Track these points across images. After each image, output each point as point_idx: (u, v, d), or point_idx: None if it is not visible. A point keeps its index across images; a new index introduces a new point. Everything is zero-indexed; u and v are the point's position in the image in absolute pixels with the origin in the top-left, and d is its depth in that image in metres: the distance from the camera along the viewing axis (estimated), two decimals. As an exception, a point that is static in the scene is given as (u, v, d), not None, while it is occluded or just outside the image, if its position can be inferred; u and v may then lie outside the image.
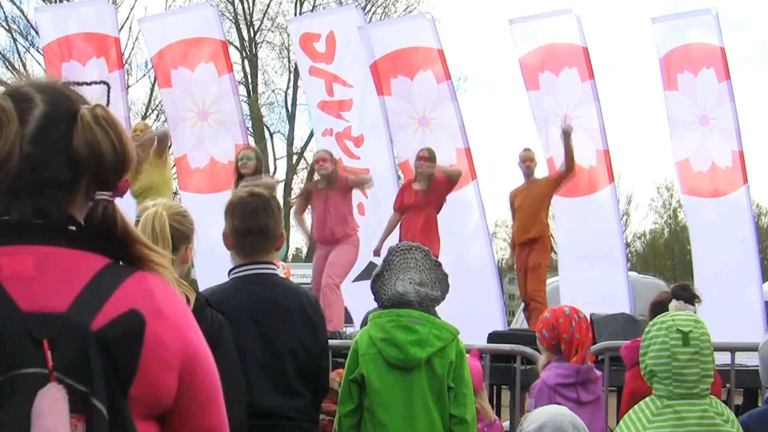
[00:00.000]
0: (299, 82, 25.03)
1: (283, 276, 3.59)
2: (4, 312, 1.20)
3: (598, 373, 4.16)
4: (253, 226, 3.13)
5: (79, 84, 1.40)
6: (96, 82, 1.47)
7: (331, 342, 6.21)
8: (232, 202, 3.22)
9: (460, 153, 9.04)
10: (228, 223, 3.19)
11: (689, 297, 4.50)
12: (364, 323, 4.02)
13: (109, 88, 1.47)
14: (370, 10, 23.98)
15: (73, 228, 1.32)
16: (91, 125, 1.30)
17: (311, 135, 22.58)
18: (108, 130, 1.31)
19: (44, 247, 1.28)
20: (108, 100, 1.41)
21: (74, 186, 1.32)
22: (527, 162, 7.98)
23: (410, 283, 3.44)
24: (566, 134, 7.83)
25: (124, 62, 13.12)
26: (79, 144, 1.29)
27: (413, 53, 9.27)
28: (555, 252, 10.04)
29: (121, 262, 1.34)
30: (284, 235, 3.30)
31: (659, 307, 4.50)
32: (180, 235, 2.76)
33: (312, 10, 24.44)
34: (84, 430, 1.19)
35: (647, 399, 2.91)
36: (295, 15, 24.47)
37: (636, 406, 2.94)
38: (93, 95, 1.38)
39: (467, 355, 3.58)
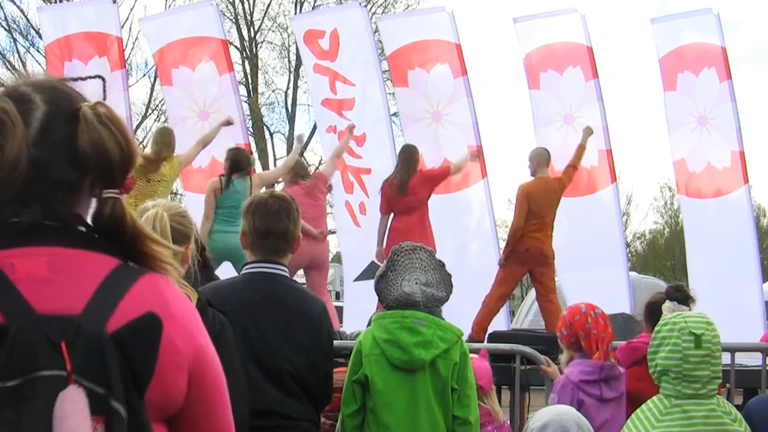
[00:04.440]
0: (300, 81, 25.01)
1: (294, 279, 3.56)
2: (20, 314, 1.19)
3: (621, 369, 4.14)
4: (273, 228, 3.13)
5: (75, 79, 1.38)
6: (91, 77, 1.45)
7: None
8: (253, 202, 3.20)
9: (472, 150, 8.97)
10: (248, 222, 3.17)
11: (683, 298, 4.47)
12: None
13: (104, 82, 1.45)
14: (370, 9, 23.94)
15: (83, 228, 1.32)
16: (94, 124, 1.29)
17: (312, 135, 22.54)
18: (112, 128, 1.30)
19: (56, 248, 1.27)
20: (104, 95, 1.39)
21: (79, 185, 1.31)
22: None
23: (416, 283, 3.42)
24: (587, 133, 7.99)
25: (125, 62, 13.08)
26: (85, 144, 1.28)
27: (431, 46, 9.17)
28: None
29: (130, 263, 1.34)
30: (300, 238, 3.25)
31: (653, 308, 4.47)
32: (180, 236, 2.76)
33: (312, 10, 24.44)
34: None
35: (654, 398, 2.92)
36: (296, 15, 24.45)
37: (643, 405, 2.94)
38: (94, 91, 1.37)
39: (476, 356, 3.56)
